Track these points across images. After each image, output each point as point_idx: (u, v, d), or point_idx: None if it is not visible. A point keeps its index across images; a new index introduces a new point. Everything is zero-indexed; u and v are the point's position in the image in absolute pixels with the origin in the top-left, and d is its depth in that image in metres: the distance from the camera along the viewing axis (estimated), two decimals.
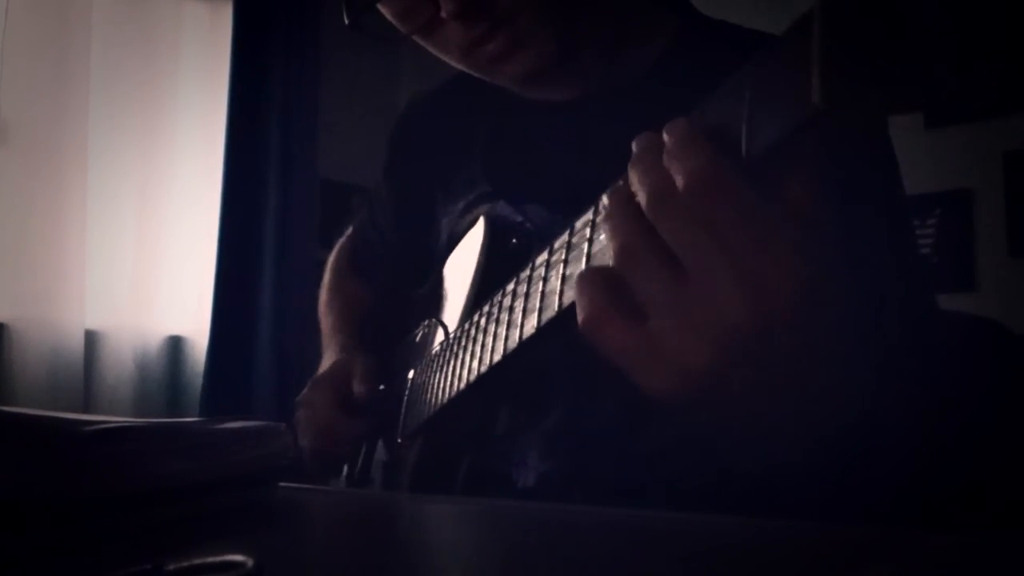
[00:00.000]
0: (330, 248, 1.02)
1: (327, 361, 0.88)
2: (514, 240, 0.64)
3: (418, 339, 0.79)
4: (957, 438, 0.42)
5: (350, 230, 0.99)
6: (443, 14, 0.57)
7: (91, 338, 2.27)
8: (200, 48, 2.55)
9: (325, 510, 0.49)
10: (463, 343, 0.61)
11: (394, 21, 0.63)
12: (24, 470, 0.32)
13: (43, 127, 2.19)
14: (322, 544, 0.38)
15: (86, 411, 2.22)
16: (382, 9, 0.63)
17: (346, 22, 0.64)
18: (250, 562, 0.26)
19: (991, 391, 0.42)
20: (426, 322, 0.78)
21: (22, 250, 2.16)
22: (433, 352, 0.71)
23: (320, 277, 1.01)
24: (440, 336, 0.72)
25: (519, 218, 0.66)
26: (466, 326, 0.61)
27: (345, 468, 0.83)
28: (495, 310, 0.54)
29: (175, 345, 2.47)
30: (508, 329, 0.50)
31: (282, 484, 0.45)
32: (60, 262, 2.19)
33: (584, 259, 0.40)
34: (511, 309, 0.51)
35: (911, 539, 0.31)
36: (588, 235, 0.40)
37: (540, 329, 0.46)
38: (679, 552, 0.34)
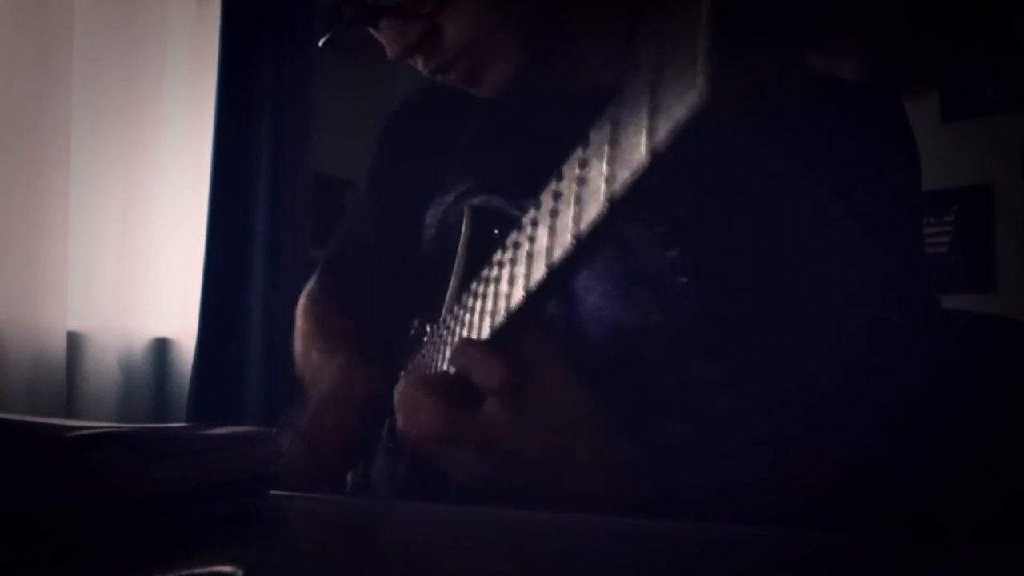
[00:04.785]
0: (323, 246, 1.01)
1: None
2: (496, 230, 0.63)
3: (412, 335, 0.78)
4: (972, 440, 0.41)
5: (313, 280, 0.95)
6: (389, 56, 0.58)
7: (74, 340, 2.25)
8: (187, 41, 2.53)
9: (316, 518, 0.48)
10: (444, 336, 0.60)
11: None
12: (2, 477, 0.31)
13: (24, 123, 2.17)
14: (313, 553, 0.37)
15: (68, 416, 2.19)
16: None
17: (319, 44, 0.65)
18: (239, 573, 0.25)
19: (1009, 392, 0.42)
20: (416, 320, 0.77)
21: (2, 249, 2.13)
22: (419, 351, 0.70)
23: (312, 276, 0.99)
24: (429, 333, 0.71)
25: (514, 212, 0.65)
26: (446, 319, 0.60)
27: (349, 476, 0.82)
28: (470, 299, 0.53)
29: (161, 347, 2.45)
30: (480, 318, 0.49)
31: (272, 492, 0.44)
32: (41, 261, 2.17)
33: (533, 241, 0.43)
34: (483, 296, 0.50)
35: (925, 548, 0.31)
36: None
37: (510, 315, 0.45)
38: (685, 560, 0.33)
